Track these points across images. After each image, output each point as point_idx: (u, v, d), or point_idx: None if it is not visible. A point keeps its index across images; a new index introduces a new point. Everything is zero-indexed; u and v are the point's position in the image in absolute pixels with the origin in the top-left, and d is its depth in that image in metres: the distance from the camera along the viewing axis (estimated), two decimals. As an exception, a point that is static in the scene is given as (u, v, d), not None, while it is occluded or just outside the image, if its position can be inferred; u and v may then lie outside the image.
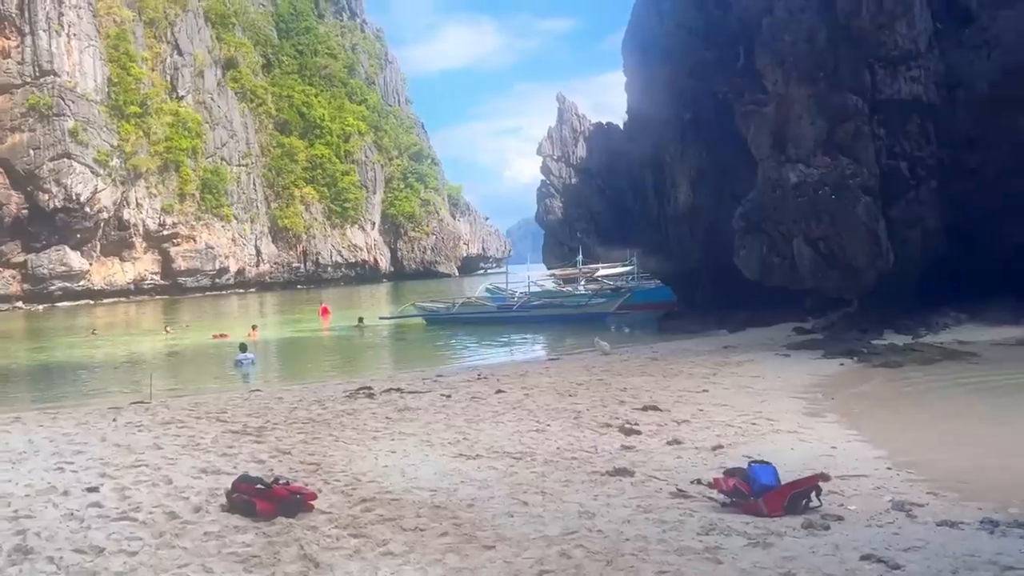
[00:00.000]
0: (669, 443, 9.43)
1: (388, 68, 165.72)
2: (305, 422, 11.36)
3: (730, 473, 7.11)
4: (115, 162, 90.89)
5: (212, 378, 23.40)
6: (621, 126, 62.71)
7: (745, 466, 7.16)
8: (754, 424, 10.46)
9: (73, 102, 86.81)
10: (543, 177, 62.61)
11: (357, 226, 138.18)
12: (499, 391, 13.43)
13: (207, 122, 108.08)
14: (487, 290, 43.28)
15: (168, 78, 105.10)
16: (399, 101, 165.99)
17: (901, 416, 10.99)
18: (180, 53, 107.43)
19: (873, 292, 18.74)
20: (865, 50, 17.47)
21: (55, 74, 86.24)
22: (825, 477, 7.40)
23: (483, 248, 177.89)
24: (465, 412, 11.67)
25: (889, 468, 8.15)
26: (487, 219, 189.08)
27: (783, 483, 6.81)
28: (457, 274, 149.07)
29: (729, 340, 20.73)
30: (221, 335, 35.50)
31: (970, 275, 19.38)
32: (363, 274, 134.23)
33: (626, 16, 27.15)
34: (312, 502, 6.82)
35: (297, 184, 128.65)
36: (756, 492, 6.71)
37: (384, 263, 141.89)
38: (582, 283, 43.61)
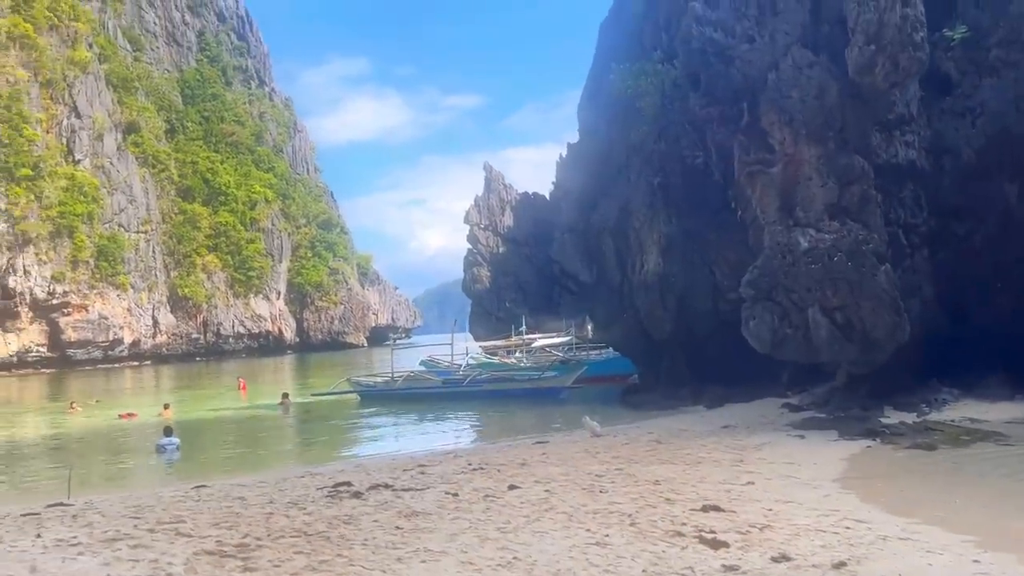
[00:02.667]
0: (775, 559, 7.67)
1: (297, 136, 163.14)
2: (295, 535, 9.08)
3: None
4: (1, 227, 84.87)
5: (132, 468, 20.40)
6: (547, 196, 62.60)
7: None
8: (848, 528, 8.83)
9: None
10: (470, 246, 61.14)
11: (262, 296, 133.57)
12: (512, 487, 11.40)
13: (105, 187, 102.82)
14: (423, 363, 40.87)
15: (64, 141, 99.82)
16: (308, 169, 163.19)
17: (1005, 513, 9.53)
18: (78, 115, 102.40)
19: (867, 365, 17.69)
20: (873, 110, 16.79)
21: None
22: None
23: (392, 318, 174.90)
24: (489, 517, 9.62)
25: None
26: (396, 289, 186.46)
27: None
28: (366, 345, 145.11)
29: (718, 417, 19.26)
30: (128, 414, 32.04)
31: (959, 348, 18.66)
32: (266, 345, 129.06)
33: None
34: None
35: (199, 252, 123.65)
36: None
37: (289, 334, 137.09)
38: (516, 354, 41.66)
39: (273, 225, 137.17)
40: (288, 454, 21.92)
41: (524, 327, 42.36)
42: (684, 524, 9.03)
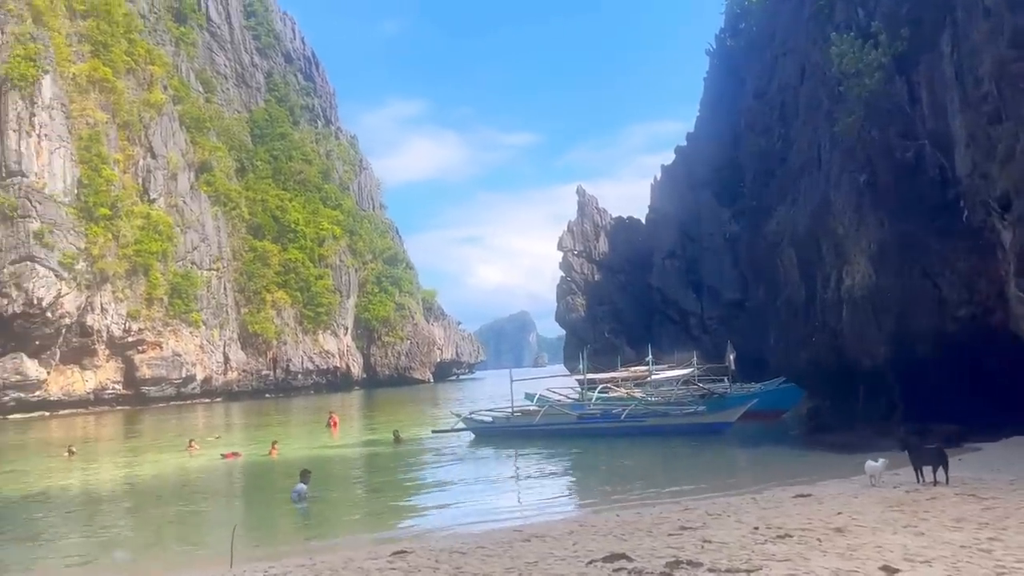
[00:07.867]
0: None
1: (363, 173, 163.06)
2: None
3: None
4: (81, 265, 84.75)
5: (271, 519, 17.47)
6: (643, 220, 59.38)
7: None
8: None
9: (40, 203, 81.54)
10: (563, 273, 57.96)
11: (330, 331, 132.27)
12: (887, 568, 8.02)
13: (179, 225, 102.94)
14: (539, 400, 37.47)
15: (140, 180, 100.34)
16: (374, 206, 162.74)
17: None
18: (153, 156, 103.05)
19: None
20: None
21: (22, 175, 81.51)
22: None
23: (457, 353, 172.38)
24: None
25: None
26: (460, 324, 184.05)
27: None
28: (431, 380, 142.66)
29: (999, 463, 15.44)
30: (233, 454, 29.55)
31: None
32: (334, 381, 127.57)
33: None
34: None
35: (269, 288, 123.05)
36: None
37: (356, 369, 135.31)
38: (629, 387, 37.80)
39: (341, 261, 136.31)
40: (436, 501, 18.67)
41: (651, 357, 38.55)
42: None
